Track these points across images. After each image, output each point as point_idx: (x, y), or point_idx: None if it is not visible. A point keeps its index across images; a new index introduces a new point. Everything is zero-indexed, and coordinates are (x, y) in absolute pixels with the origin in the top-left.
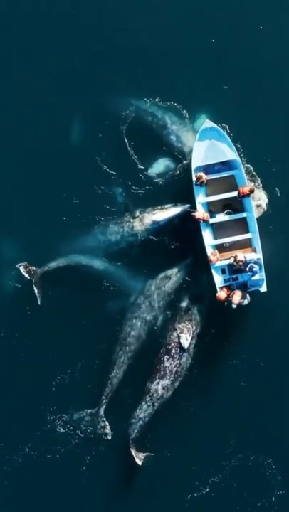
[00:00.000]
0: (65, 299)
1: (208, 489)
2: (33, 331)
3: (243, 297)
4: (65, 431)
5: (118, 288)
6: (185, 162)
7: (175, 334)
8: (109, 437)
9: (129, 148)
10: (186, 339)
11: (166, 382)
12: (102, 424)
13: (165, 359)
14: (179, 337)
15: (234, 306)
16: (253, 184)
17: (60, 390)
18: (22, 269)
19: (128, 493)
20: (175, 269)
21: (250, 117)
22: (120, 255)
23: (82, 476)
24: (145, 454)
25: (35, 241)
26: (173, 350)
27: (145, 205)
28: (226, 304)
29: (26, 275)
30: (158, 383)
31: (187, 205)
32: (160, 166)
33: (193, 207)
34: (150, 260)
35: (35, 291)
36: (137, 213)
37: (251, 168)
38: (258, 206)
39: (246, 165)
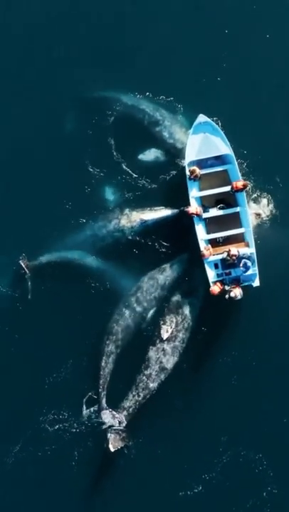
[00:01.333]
0: (53, 294)
1: (200, 486)
2: (22, 327)
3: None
4: (56, 428)
5: (108, 284)
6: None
7: (159, 324)
8: (124, 425)
9: (116, 145)
10: (167, 331)
11: (149, 371)
12: (111, 416)
13: (149, 349)
14: (160, 328)
15: (227, 296)
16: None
17: (53, 388)
18: (22, 263)
19: (119, 491)
20: (169, 263)
21: (243, 112)
22: (111, 250)
23: (74, 473)
24: (122, 444)
25: (22, 235)
26: (157, 341)
27: (136, 204)
28: (223, 295)
29: (26, 270)
30: (143, 373)
31: (176, 210)
32: (150, 155)
33: (187, 202)
34: (143, 255)
35: (29, 284)
36: (126, 211)
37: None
38: (258, 215)
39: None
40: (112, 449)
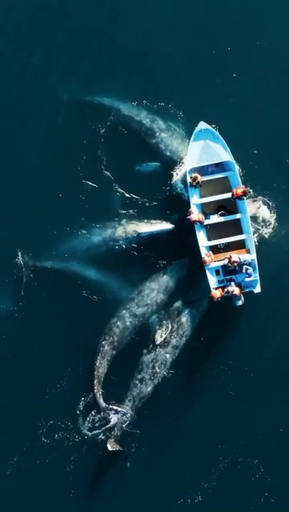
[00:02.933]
0: (46, 299)
1: (199, 494)
2: (18, 334)
3: (238, 297)
4: (54, 437)
5: (102, 290)
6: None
7: (155, 327)
8: (129, 413)
9: (115, 157)
10: (161, 336)
11: (142, 375)
12: (113, 411)
13: (144, 353)
14: (155, 331)
15: (230, 292)
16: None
17: (51, 395)
18: (20, 259)
19: (117, 500)
20: (170, 267)
21: (242, 119)
22: (105, 258)
23: (72, 482)
24: (120, 449)
25: (18, 239)
26: (150, 346)
27: (133, 215)
28: (223, 302)
29: (23, 268)
30: (136, 377)
31: (172, 226)
32: (149, 167)
33: (187, 209)
34: (137, 263)
35: (24, 281)
36: (123, 221)
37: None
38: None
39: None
40: (110, 448)
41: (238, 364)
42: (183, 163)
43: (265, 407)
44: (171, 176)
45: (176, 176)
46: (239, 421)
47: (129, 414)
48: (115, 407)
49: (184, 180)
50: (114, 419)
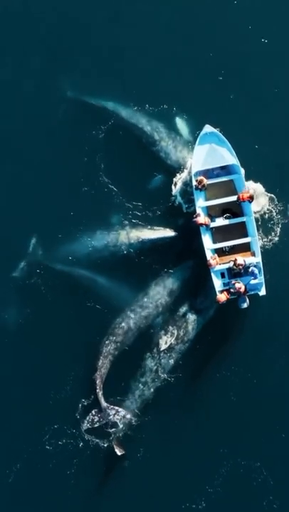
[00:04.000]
0: (53, 306)
1: (203, 498)
2: (21, 339)
3: (243, 299)
4: (57, 442)
5: (102, 295)
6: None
7: (160, 333)
8: (128, 416)
9: (118, 163)
10: (166, 342)
11: (145, 379)
12: (114, 412)
13: (147, 357)
14: (160, 337)
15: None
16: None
17: (54, 401)
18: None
19: (120, 505)
20: (175, 269)
21: (247, 122)
22: (106, 262)
23: (75, 486)
24: (123, 452)
25: (19, 242)
26: (154, 350)
27: (135, 222)
28: (229, 304)
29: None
30: (139, 380)
31: (174, 233)
32: (157, 182)
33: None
34: (148, 266)
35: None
36: (126, 227)
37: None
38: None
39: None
40: (119, 453)
41: (240, 369)
42: (182, 172)
43: (268, 413)
44: (171, 187)
45: (175, 188)
46: (241, 426)
47: (129, 416)
48: (116, 408)
49: (182, 192)
50: (113, 419)
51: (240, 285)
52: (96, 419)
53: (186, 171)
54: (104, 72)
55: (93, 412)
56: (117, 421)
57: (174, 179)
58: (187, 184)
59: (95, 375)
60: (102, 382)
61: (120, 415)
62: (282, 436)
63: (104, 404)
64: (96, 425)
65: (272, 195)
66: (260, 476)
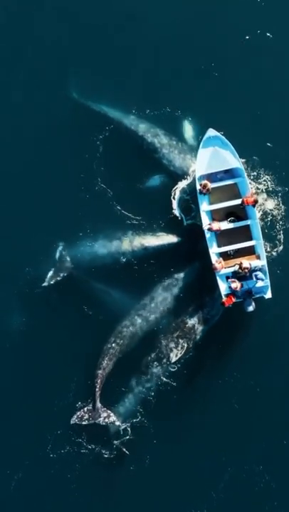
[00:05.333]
0: (55, 314)
1: (205, 505)
2: (23, 346)
3: (249, 303)
4: (59, 450)
5: (104, 304)
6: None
7: (170, 345)
8: (118, 423)
9: (120, 169)
10: (176, 355)
11: (148, 384)
12: (105, 414)
13: (154, 365)
14: (171, 350)
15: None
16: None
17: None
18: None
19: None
20: (181, 274)
21: (249, 126)
22: (109, 270)
23: (75, 493)
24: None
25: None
26: (163, 360)
27: (139, 228)
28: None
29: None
30: (143, 386)
31: (179, 239)
32: (156, 181)
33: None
34: (152, 272)
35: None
36: (129, 234)
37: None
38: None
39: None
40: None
41: (243, 376)
42: (183, 180)
43: (270, 420)
44: (170, 199)
45: (174, 200)
46: (245, 432)
47: (118, 423)
48: (108, 412)
49: (181, 204)
50: (102, 422)
51: (236, 284)
52: (86, 416)
53: (183, 182)
54: (107, 75)
55: (86, 409)
56: (106, 424)
57: (172, 191)
58: (186, 192)
59: (97, 373)
60: (102, 383)
61: (110, 420)
62: (283, 442)
63: (98, 404)
64: (84, 423)
65: (277, 199)
66: (263, 480)
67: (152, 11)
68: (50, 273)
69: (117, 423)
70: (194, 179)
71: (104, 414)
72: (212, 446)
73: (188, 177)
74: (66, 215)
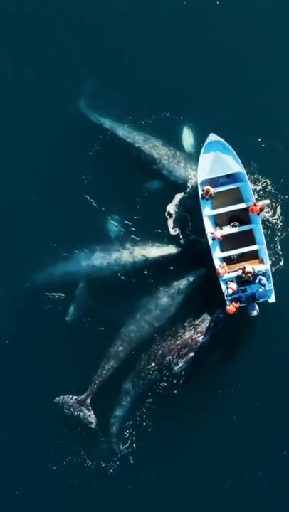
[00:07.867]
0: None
1: None
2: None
3: (253, 307)
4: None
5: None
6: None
7: (173, 354)
8: (93, 426)
9: (119, 179)
10: (180, 367)
11: (148, 392)
12: (88, 413)
13: (153, 373)
14: (174, 362)
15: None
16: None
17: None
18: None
19: None
20: (186, 281)
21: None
22: (107, 283)
23: (75, 503)
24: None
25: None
26: (164, 370)
27: (139, 239)
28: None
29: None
30: (141, 391)
31: (180, 249)
32: (154, 185)
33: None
34: (155, 282)
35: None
36: (128, 245)
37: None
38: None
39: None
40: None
41: (245, 383)
42: (177, 193)
43: (269, 431)
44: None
45: (170, 218)
46: (244, 443)
47: (93, 426)
48: (91, 412)
49: (177, 222)
50: (80, 417)
51: (233, 285)
52: (71, 403)
53: (176, 197)
54: (104, 82)
55: (75, 398)
56: (81, 421)
57: (167, 208)
58: (183, 204)
59: (98, 373)
60: (100, 383)
61: (88, 420)
62: (283, 453)
63: (87, 400)
64: (63, 409)
65: (278, 203)
66: (263, 490)
67: (147, 17)
68: (71, 309)
69: (92, 426)
70: (193, 190)
71: (87, 412)
72: (212, 455)
73: (184, 190)
74: (63, 227)
